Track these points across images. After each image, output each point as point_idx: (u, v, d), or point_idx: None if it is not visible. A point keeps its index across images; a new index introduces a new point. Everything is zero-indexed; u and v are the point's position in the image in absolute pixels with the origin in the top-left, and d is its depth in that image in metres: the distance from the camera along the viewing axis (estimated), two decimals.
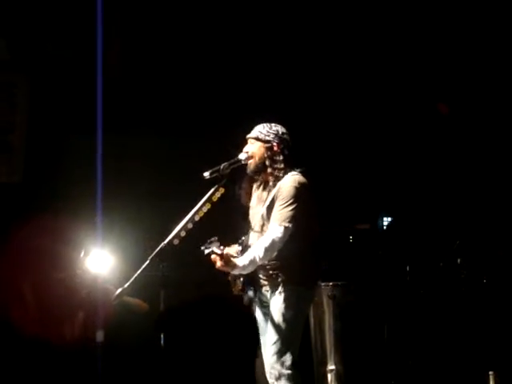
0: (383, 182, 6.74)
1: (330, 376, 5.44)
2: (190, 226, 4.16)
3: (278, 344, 4.16)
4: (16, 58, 6.68)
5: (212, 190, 4.21)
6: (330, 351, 5.48)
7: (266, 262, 4.18)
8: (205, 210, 4.19)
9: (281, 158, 4.27)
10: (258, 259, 4.11)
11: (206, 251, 4.03)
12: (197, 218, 4.18)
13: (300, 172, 4.29)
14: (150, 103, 6.74)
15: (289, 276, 4.20)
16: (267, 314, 4.26)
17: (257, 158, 4.30)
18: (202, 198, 4.20)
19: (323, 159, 6.48)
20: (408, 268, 5.95)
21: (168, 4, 6.65)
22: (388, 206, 6.71)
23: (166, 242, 4.16)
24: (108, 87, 6.22)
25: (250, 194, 4.41)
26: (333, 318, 5.49)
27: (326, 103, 6.74)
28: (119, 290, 4.17)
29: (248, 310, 4.39)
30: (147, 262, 4.17)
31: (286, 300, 4.18)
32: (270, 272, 4.22)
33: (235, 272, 4.17)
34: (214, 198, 4.21)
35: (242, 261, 4.11)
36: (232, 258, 4.09)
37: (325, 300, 5.51)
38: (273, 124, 4.35)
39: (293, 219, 4.15)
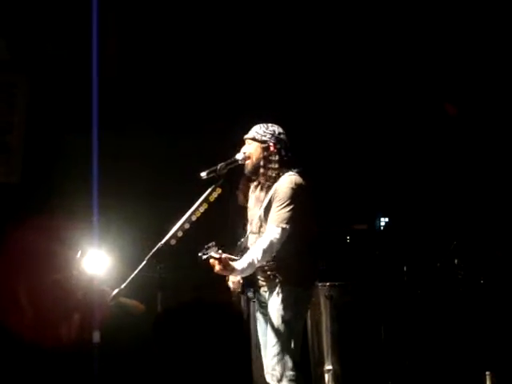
0: (380, 183, 6.73)
1: (327, 376, 5.43)
2: (187, 226, 4.17)
3: (279, 345, 4.16)
4: (16, 58, 6.66)
5: (209, 190, 4.21)
6: (327, 351, 5.47)
7: (264, 263, 4.18)
8: (202, 210, 4.19)
9: (276, 158, 4.26)
10: (256, 261, 4.10)
11: (204, 257, 4.02)
12: (194, 218, 4.18)
13: (297, 172, 4.28)
14: (147, 102, 6.72)
15: (286, 277, 4.19)
16: (266, 315, 4.26)
17: (254, 159, 4.30)
18: (199, 198, 4.19)
19: (321, 159, 6.47)
20: (405, 268, 5.94)
21: (166, 3, 6.64)
22: (385, 206, 6.71)
23: (163, 242, 4.16)
24: (105, 86, 6.21)
25: (247, 195, 4.41)
26: (330, 319, 5.48)
27: (324, 104, 6.73)
28: (116, 291, 4.16)
29: (246, 312, 4.38)
30: (144, 262, 4.17)
31: (283, 301, 4.18)
32: (268, 273, 4.22)
33: (234, 275, 4.16)
34: (211, 198, 4.20)
35: (240, 264, 4.10)
36: (230, 262, 4.07)
37: (322, 300, 5.50)
38: (269, 124, 4.34)
39: (290, 220, 4.14)
